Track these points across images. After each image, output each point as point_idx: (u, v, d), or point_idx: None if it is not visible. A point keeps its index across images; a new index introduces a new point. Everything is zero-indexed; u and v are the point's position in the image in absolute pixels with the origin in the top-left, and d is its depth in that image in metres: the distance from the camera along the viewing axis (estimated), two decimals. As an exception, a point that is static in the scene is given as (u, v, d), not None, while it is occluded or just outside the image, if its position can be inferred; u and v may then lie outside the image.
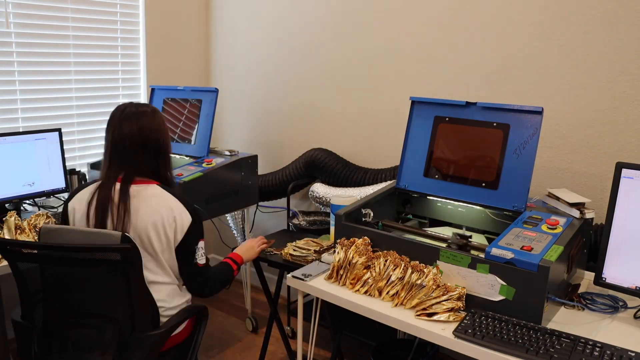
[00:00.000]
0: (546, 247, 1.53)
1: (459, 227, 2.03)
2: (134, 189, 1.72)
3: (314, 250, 2.13)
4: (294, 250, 2.17)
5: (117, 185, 1.72)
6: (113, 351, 1.60)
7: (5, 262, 1.97)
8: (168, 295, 1.77)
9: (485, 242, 1.88)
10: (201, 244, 1.80)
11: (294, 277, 1.83)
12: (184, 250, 1.76)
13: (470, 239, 1.73)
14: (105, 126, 3.24)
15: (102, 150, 3.10)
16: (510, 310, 1.50)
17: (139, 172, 1.76)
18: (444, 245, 1.71)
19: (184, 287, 1.86)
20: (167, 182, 1.82)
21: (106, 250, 1.52)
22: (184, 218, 1.74)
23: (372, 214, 1.91)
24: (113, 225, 1.69)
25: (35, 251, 1.58)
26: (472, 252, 1.64)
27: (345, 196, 2.21)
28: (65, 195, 2.71)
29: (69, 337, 1.63)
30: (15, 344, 2.76)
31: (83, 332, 1.63)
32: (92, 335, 1.62)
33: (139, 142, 1.74)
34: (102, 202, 1.70)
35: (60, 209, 2.64)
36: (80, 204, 1.76)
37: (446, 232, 1.95)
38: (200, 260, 1.80)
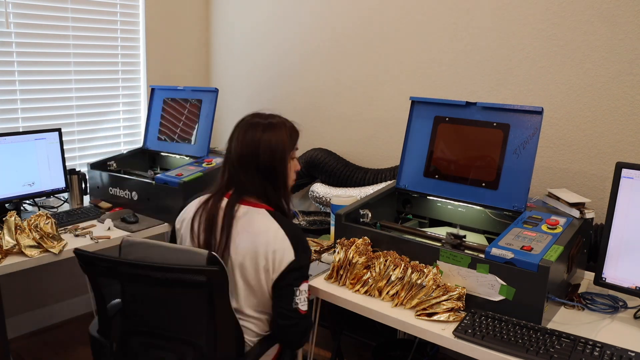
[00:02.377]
0: (546, 247, 1.53)
1: (459, 227, 2.02)
2: (242, 209, 1.57)
3: (315, 250, 2.12)
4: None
5: (224, 201, 1.58)
6: None
7: (4, 262, 1.98)
8: (256, 326, 1.60)
9: (485, 242, 1.88)
10: (304, 286, 1.56)
11: (294, 277, 1.82)
12: (281, 290, 1.54)
13: (464, 239, 1.73)
14: (105, 125, 3.27)
15: (102, 150, 3.15)
16: (510, 310, 1.50)
17: (249, 191, 1.59)
18: (441, 245, 1.71)
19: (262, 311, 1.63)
20: (279, 210, 1.62)
21: (187, 271, 1.36)
22: (285, 254, 1.51)
23: (370, 215, 1.91)
24: (216, 243, 1.54)
25: (118, 268, 1.43)
26: (472, 252, 1.64)
27: (346, 196, 2.21)
28: (65, 195, 2.72)
29: (146, 358, 1.51)
30: (16, 344, 2.77)
31: (161, 355, 1.49)
32: (171, 358, 1.48)
33: (251, 158, 1.58)
34: (210, 217, 1.56)
35: (60, 209, 2.64)
36: (188, 216, 1.63)
37: (445, 232, 1.94)
38: (302, 306, 1.55)
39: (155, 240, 1.50)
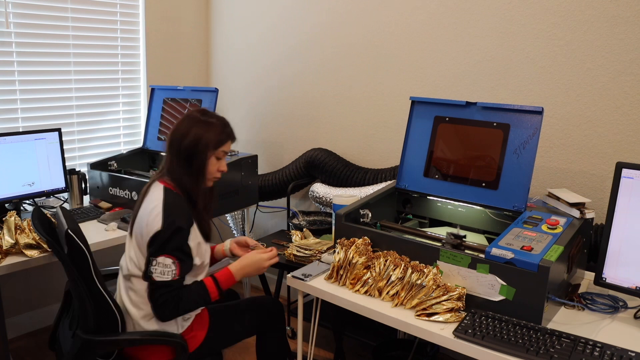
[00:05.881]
0: (546, 247, 1.53)
1: (459, 227, 2.02)
2: (152, 185, 1.79)
3: (318, 251, 2.12)
4: (297, 251, 2.16)
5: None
6: (74, 339, 1.68)
7: (4, 262, 1.98)
8: (139, 307, 1.72)
9: (485, 242, 1.88)
10: (161, 259, 1.64)
11: (293, 277, 1.82)
12: (146, 256, 1.69)
13: (464, 239, 1.73)
14: (105, 125, 3.26)
15: (102, 150, 3.14)
16: (510, 310, 1.50)
17: (169, 173, 1.78)
18: (441, 245, 1.71)
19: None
20: (189, 198, 1.75)
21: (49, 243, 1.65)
22: (155, 223, 1.65)
23: (370, 215, 1.91)
24: (135, 213, 1.77)
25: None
26: (472, 252, 1.64)
27: (347, 195, 2.20)
28: (65, 195, 2.72)
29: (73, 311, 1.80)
30: (16, 344, 2.77)
31: (76, 311, 1.75)
32: (75, 317, 1.74)
33: (177, 142, 1.77)
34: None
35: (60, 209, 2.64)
36: None
37: (445, 232, 1.94)
38: (157, 276, 1.64)
39: (61, 215, 1.71)
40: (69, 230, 1.54)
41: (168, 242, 1.65)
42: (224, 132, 1.81)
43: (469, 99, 2.03)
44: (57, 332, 1.86)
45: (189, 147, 1.74)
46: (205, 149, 1.76)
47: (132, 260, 1.73)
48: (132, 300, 1.73)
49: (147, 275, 1.67)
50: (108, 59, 3.06)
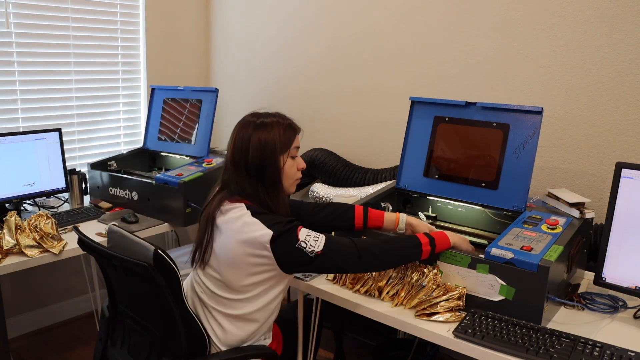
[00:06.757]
0: (546, 247, 1.53)
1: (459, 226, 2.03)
2: (226, 206, 1.56)
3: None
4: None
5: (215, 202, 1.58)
6: None
7: (4, 262, 1.98)
8: (225, 322, 1.59)
9: (485, 242, 1.89)
10: (301, 235, 1.49)
11: (294, 276, 1.82)
12: (291, 258, 1.50)
13: None
14: (105, 125, 3.26)
15: (102, 150, 3.14)
16: (510, 310, 1.50)
17: (242, 193, 1.57)
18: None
19: (252, 320, 1.60)
20: (267, 206, 1.57)
21: (130, 263, 1.41)
22: (263, 234, 1.47)
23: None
24: (204, 241, 1.56)
25: (90, 250, 1.58)
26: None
27: (347, 196, 2.21)
28: (66, 195, 2.72)
29: (130, 338, 1.60)
30: (16, 344, 2.77)
31: (137, 338, 1.58)
32: (144, 344, 1.54)
33: (240, 158, 1.56)
34: (206, 216, 1.58)
35: (60, 209, 2.65)
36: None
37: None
38: (317, 247, 1.48)
39: (128, 233, 1.56)
40: (159, 250, 1.41)
41: (287, 227, 1.49)
42: (287, 126, 1.62)
43: (469, 99, 2.02)
44: None
45: (256, 158, 1.55)
46: (274, 154, 1.56)
47: (212, 287, 1.57)
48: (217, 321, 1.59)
49: (312, 259, 1.48)
50: (108, 59, 3.06)
